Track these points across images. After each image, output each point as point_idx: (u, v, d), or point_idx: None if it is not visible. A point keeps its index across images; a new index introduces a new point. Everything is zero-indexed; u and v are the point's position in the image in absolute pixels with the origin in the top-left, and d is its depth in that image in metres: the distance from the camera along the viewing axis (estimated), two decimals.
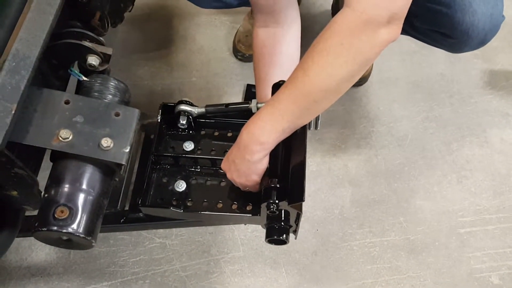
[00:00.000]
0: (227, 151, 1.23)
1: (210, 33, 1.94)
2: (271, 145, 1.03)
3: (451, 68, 1.85)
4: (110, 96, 1.03)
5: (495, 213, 1.53)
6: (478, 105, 1.76)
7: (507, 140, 1.68)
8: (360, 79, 1.76)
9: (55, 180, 0.95)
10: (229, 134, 1.27)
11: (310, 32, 1.93)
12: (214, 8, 1.48)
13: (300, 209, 1.03)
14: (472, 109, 1.75)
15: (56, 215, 0.91)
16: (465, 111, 1.75)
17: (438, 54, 1.85)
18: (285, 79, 1.06)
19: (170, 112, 1.24)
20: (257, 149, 1.02)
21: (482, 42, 1.30)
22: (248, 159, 1.04)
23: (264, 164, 1.06)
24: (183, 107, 1.23)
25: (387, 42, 0.92)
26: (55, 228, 0.90)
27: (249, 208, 1.15)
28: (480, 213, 1.53)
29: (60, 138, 0.91)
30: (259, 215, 1.10)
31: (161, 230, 1.46)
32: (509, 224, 1.51)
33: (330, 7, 1.97)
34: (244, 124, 1.27)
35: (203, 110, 1.24)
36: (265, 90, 1.24)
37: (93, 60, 1.02)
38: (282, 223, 1.09)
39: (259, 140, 1.01)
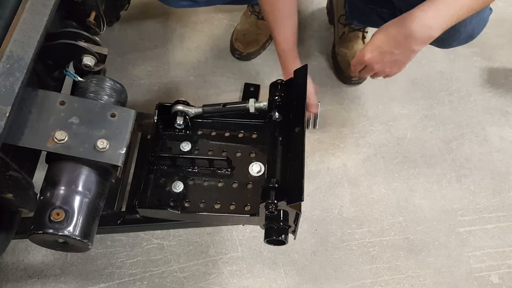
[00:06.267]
0: (225, 151, 1.23)
1: (207, 31, 1.93)
2: (438, 33, 1.07)
3: (450, 66, 1.85)
4: (106, 96, 1.02)
5: (495, 212, 1.52)
6: (477, 103, 1.75)
7: (506, 138, 1.67)
8: (359, 77, 1.76)
9: (51, 182, 0.94)
10: (227, 134, 1.26)
11: (308, 28, 1.93)
12: (182, 7, 1.48)
13: (299, 209, 1.02)
14: (471, 107, 1.75)
15: (52, 218, 0.90)
16: (465, 109, 1.74)
17: (437, 52, 1.84)
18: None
19: (166, 112, 1.23)
20: (426, 39, 1.07)
21: (471, 36, 1.30)
22: (413, 49, 1.10)
23: None
24: (180, 107, 1.22)
25: None
26: (50, 231, 0.90)
27: (247, 208, 1.15)
28: (479, 212, 1.52)
29: (56, 140, 0.91)
30: (258, 216, 1.09)
31: (159, 231, 1.45)
32: (508, 223, 1.51)
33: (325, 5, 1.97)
34: (241, 124, 1.27)
35: (200, 110, 1.23)
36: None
37: (88, 60, 1.01)
38: (281, 223, 1.08)
39: (430, 25, 1.06)
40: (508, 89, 1.79)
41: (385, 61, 1.16)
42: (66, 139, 0.91)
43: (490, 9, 1.27)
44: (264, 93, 1.57)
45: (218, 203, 1.16)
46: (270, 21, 1.35)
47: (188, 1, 1.43)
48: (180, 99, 1.24)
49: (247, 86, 1.74)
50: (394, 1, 1.35)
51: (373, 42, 1.17)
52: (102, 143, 0.92)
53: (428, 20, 1.07)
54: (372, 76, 1.28)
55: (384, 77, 1.26)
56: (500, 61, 1.87)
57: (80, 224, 0.92)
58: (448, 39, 1.29)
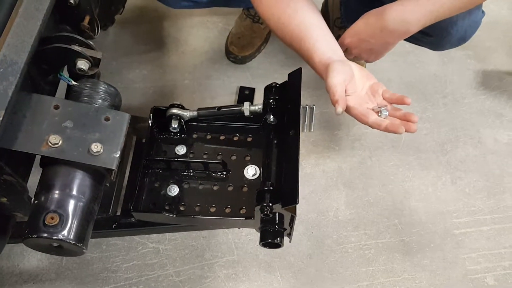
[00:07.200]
0: (220, 154, 1.23)
1: (203, 34, 1.93)
2: (415, 29, 1.06)
3: (444, 69, 1.85)
4: (100, 100, 1.02)
5: (490, 214, 1.53)
6: (471, 106, 1.76)
7: (500, 140, 1.68)
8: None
9: (45, 186, 0.94)
10: (222, 137, 1.26)
11: None
12: (183, 8, 1.46)
13: (294, 211, 1.02)
14: (465, 109, 1.75)
15: (46, 222, 0.90)
16: (459, 112, 1.74)
17: (431, 55, 1.85)
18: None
19: (161, 115, 1.23)
20: (402, 33, 1.06)
21: (463, 39, 1.30)
22: (389, 42, 1.10)
23: None
24: (175, 110, 1.22)
25: None
26: (45, 235, 0.89)
27: (242, 211, 1.14)
28: (474, 214, 1.53)
29: (50, 144, 0.91)
30: (253, 219, 1.09)
31: (154, 235, 1.45)
32: (503, 224, 1.51)
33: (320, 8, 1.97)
34: (236, 127, 1.27)
35: (195, 113, 1.23)
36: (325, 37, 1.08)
37: (82, 64, 1.01)
38: (276, 226, 1.08)
39: (407, 19, 1.04)
40: (502, 92, 1.80)
41: (362, 48, 1.15)
42: (60, 143, 0.91)
43: (483, 12, 1.27)
44: (259, 96, 1.58)
45: (214, 207, 1.15)
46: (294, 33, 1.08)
47: (189, 1, 1.43)
48: (175, 102, 1.24)
49: (242, 89, 1.74)
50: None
51: (354, 27, 1.16)
52: (96, 147, 0.92)
53: (406, 14, 1.05)
54: (354, 59, 1.27)
55: (366, 61, 1.26)
56: (494, 63, 1.88)
57: (74, 228, 0.91)
58: (440, 41, 1.30)
